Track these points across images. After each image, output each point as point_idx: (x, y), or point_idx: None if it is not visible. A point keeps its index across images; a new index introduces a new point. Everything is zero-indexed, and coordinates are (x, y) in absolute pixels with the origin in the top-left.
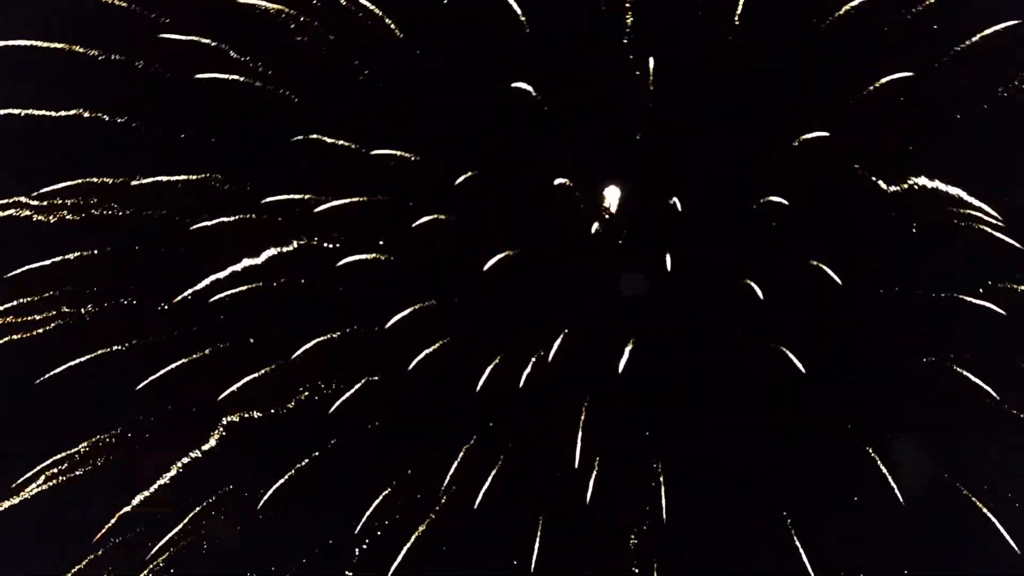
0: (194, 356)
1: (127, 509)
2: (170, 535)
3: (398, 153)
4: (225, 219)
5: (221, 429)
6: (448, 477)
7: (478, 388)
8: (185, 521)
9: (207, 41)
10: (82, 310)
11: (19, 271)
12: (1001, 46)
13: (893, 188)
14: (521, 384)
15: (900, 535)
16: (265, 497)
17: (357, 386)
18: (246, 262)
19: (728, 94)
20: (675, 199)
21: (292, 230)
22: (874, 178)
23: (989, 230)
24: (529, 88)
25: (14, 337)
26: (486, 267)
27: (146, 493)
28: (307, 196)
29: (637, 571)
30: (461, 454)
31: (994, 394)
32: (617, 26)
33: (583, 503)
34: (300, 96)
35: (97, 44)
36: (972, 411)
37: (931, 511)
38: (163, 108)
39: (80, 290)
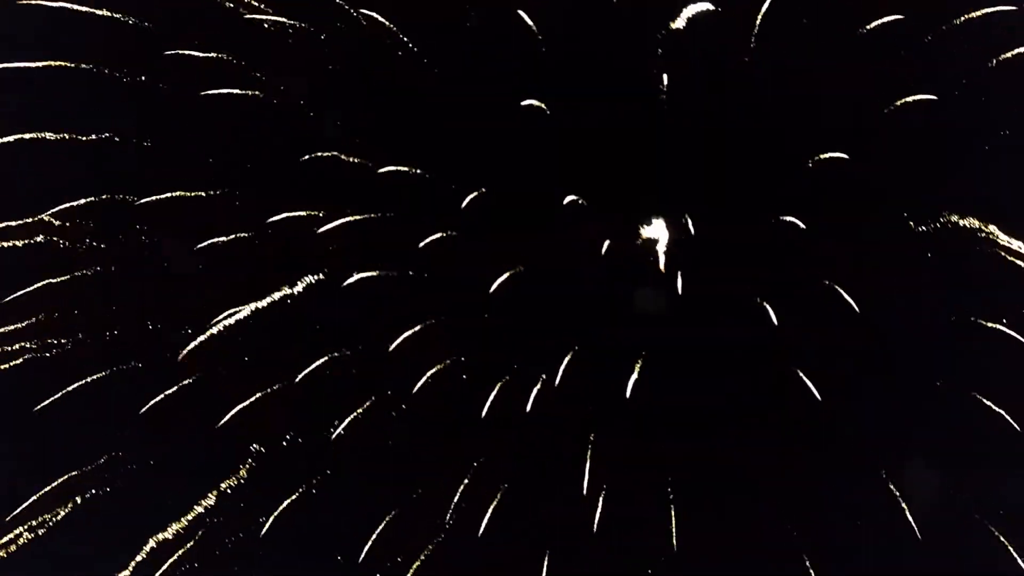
0: (195, 378)
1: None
2: (169, 562)
3: (406, 169)
4: (229, 237)
5: (222, 454)
6: (453, 504)
7: (483, 413)
8: (185, 548)
9: (215, 55)
10: (79, 335)
11: (18, 294)
12: None
13: (912, 212)
14: (528, 408)
15: (918, 569)
16: (267, 525)
17: (360, 409)
18: (252, 284)
19: (744, 111)
20: (687, 217)
21: (297, 249)
22: (892, 201)
23: (1012, 258)
24: (541, 105)
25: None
26: (492, 288)
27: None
28: (313, 213)
29: None
30: (466, 480)
31: (1016, 425)
32: (634, 42)
33: (591, 531)
34: (309, 111)
35: (105, 63)
36: (992, 440)
37: (948, 542)
38: (170, 125)
39: (81, 312)
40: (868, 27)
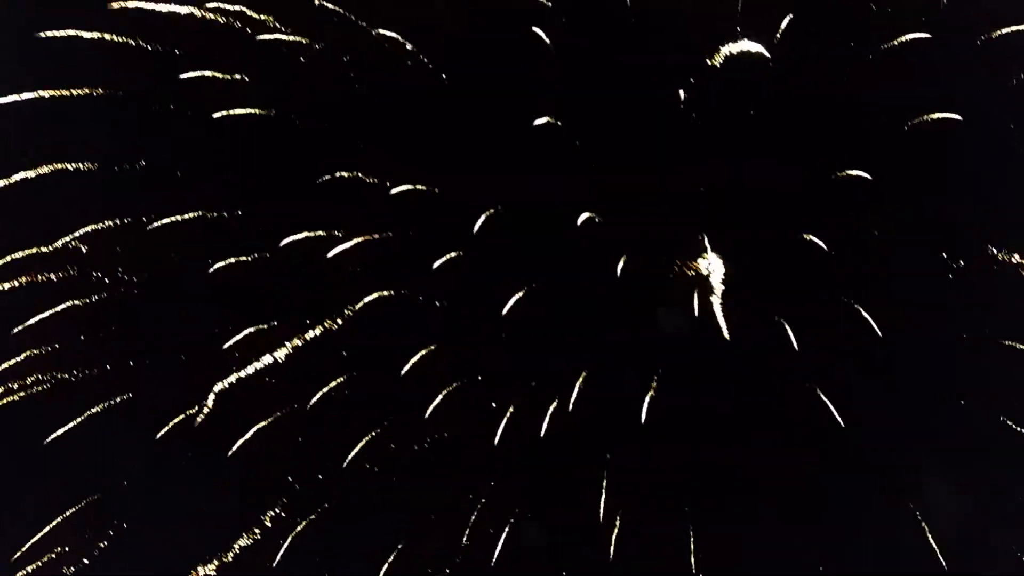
0: (201, 405)
1: None
2: None
3: (420, 188)
4: (241, 259)
5: (229, 481)
6: (467, 530)
7: (496, 439)
8: None
9: (229, 77)
10: (95, 362)
11: (28, 323)
12: None
13: (933, 230)
14: (542, 433)
15: None
16: (280, 553)
17: (370, 435)
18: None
19: (763, 127)
20: (704, 236)
21: (310, 270)
22: (912, 220)
23: None
24: (556, 122)
25: (20, 395)
26: (505, 310)
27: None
28: (327, 234)
29: None
30: (479, 505)
31: None
32: (648, 55)
33: (607, 557)
34: (322, 131)
35: (119, 88)
36: (1013, 458)
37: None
38: (183, 147)
39: (96, 339)
40: (893, 43)
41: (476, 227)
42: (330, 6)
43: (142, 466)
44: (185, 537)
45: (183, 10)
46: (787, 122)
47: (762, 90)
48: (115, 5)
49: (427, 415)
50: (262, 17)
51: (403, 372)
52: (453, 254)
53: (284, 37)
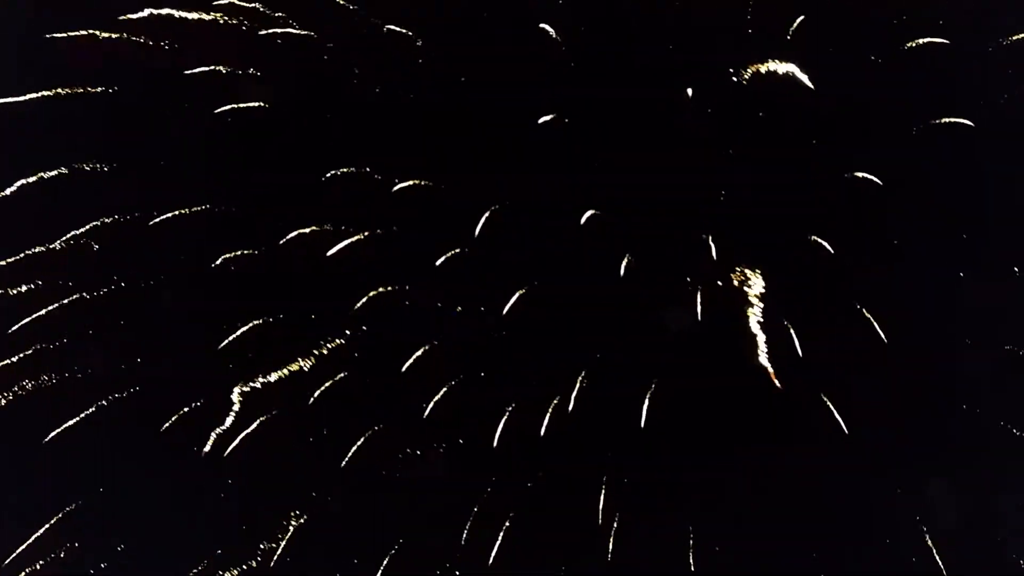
0: (198, 403)
1: None
2: None
3: (421, 182)
4: (239, 255)
5: (225, 482)
6: (465, 531)
7: (495, 440)
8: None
9: (233, 71)
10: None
11: (23, 322)
12: None
13: (941, 235)
14: (542, 432)
15: None
16: (275, 555)
17: (369, 433)
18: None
19: (772, 126)
20: (709, 236)
21: (309, 267)
22: (920, 224)
23: None
24: (561, 119)
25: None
26: (506, 309)
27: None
28: (325, 229)
29: None
30: (476, 507)
31: None
32: (657, 54)
33: (605, 558)
34: (325, 126)
35: (124, 84)
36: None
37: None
38: (182, 144)
39: (93, 337)
40: (909, 45)
41: (479, 225)
42: (340, 1)
43: (143, 465)
44: (184, 538)
45: (192, 15)
46: (796, 123)
47: (770, 90)
48: (129, 16)
49: (427, 413)
50: (267, 12)
51: (403, 370)
52: (455, 252)
53: (291, 31)
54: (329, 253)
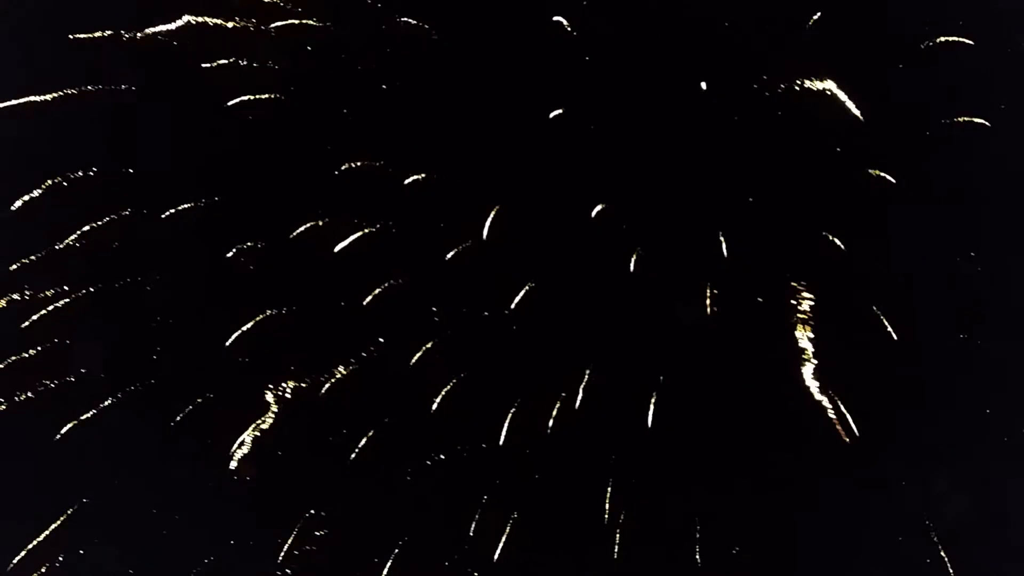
0: (209, 396)
1: None
2: None
3: (432, 176)
4: (248, 247)
5: (232, 480)
6: (471, 529)
7: (501, 440)
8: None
9: (246, 64)
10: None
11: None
12: None
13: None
14: (548, 430)
15: None
16: (282, 552)
17: (374, 430)
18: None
19: (787, 122)
20: (721, 234)
21: (317, 260)
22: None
23: None
24: (572, 113)
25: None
26: (514, 304)
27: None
28: (335, 222)
29: None
30: (480, 506)
31: None
32: (671, 49)
33: (611, 558)
34: (336, 119)
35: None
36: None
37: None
38: (195, 139)
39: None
40: (931, 43)
41: (488, 220)
42: None
43: (150, 465)
44: (187, 534)
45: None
46: (812, 120)
47: (787, 86)
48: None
49: (433, 409)
50: (283, 5)
51: (410, 364)
52: (464, 246)
53: (306, 23)
54: (337, 248)
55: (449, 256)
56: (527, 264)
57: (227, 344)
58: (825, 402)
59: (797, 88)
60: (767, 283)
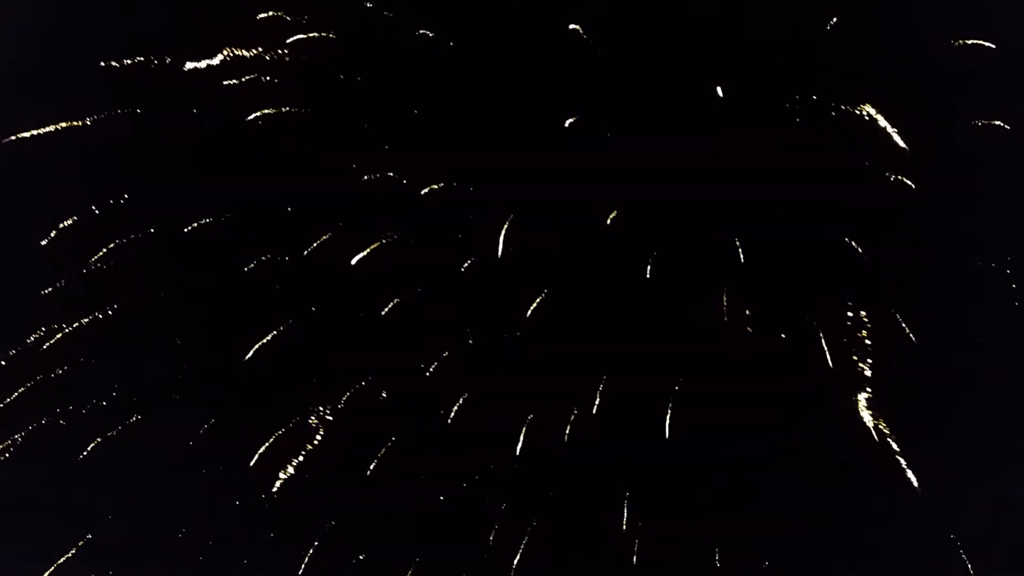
0: (224, 411)
1: None
2: None
3: (447, 185)
4: (265, 260)
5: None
6: (490, 540)
7: (518, 450)
8: None
9: (260, 77)
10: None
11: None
12: None
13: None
14: (565, 439)
15: None
16: (301, 567)
17: (390, 441)
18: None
19: (804, 123)
20: (737, 239)
21: (331, 274)
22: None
23: None
24: (587, 122)
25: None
26: (528, 312)
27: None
28: (351, 235)
29: None
30: (500, 515)
31: None
32: (686, 54)
33: (629, 568)
34: (353, 130)
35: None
36: None
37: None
38: (208, 152)
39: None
40: (955, 43)
41: (503, 229)
42: (370, 5)
43: (165, 477)
44: (204, 552)
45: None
46: (826, 121)
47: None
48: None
49: (449, 420)
50: (297, 18)
51: (427, 375)
52: (479, 256)
53: (320, 35)
54: (353, 261)
55: (464, 266)
56: (542, 272)
57: (246, 358)
58: (868, 419)
59: (816, 97)
60: (785, 289)
